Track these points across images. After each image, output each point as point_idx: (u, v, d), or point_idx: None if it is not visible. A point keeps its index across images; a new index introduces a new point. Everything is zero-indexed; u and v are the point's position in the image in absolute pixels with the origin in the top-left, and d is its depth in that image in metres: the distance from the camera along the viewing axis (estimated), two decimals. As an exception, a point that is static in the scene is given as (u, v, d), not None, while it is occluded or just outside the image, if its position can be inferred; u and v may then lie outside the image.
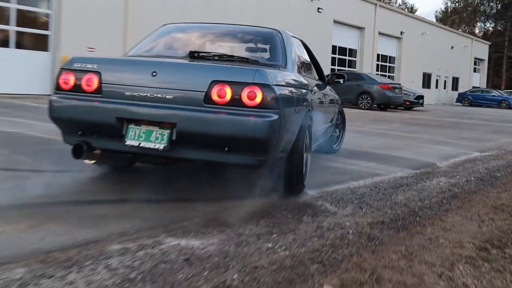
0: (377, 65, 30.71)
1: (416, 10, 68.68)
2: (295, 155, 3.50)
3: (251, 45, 4.33)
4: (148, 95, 3.13)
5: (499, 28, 64.14)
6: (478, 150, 7.39)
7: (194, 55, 3.67)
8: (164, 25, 4.53)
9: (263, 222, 2.93)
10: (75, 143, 3.20)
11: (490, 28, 66.22)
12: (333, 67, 26.24)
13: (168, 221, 2.83)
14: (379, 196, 3.81)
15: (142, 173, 4.16)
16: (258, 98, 3.01)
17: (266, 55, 4.10)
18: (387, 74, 31.56)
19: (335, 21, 26.00)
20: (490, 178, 5.01)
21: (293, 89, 3.43)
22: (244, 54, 4.08)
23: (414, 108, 22.17)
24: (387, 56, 31.88)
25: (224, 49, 4.37)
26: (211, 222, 2.85)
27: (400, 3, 68.12)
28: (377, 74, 26.54)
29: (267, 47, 4.17)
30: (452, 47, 39.07)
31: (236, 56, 3.76)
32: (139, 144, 3.10)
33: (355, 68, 28.22)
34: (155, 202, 3.27)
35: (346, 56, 27.77)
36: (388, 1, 60.81)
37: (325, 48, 24.97)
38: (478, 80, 46.19)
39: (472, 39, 43.40)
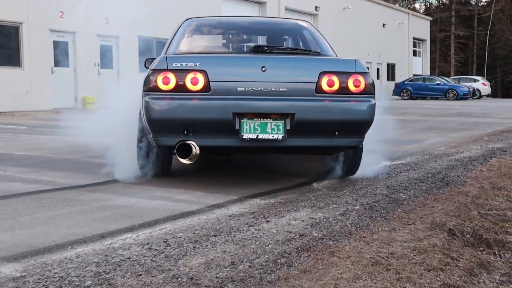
0: (284, 51, 30.57)
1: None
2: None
3: (294, 37, 6.17)
4: (262, 89, 4.36)
5: (444, 0, 67.17)
6: (391, 158, 6.86)
7: (258, 50, 4.95)
8: (188, 19, 5.81)
9: None
10: (178, 143, 4.20)
11: (433, 1, 69.27)
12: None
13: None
14: (155, 263, 2.89)
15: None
16: (362, 85, 4.50)
17: (316, 47, 5.53)
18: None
19: (223, -6, 25.81)
20: (388, 204, 4.28)
21: None
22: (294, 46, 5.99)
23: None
24: (298, 39, 31.94)
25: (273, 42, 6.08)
26: None
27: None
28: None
29: (311, 39, 5.73)
30: (384, 25, 39.80)
31: (300, 49, 5.48)
32: (257, 136, 4.32)
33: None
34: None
35: (241, 40, 27.48)
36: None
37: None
38: (420, 66, 47.65)
39: (408, 14, 44.73)
